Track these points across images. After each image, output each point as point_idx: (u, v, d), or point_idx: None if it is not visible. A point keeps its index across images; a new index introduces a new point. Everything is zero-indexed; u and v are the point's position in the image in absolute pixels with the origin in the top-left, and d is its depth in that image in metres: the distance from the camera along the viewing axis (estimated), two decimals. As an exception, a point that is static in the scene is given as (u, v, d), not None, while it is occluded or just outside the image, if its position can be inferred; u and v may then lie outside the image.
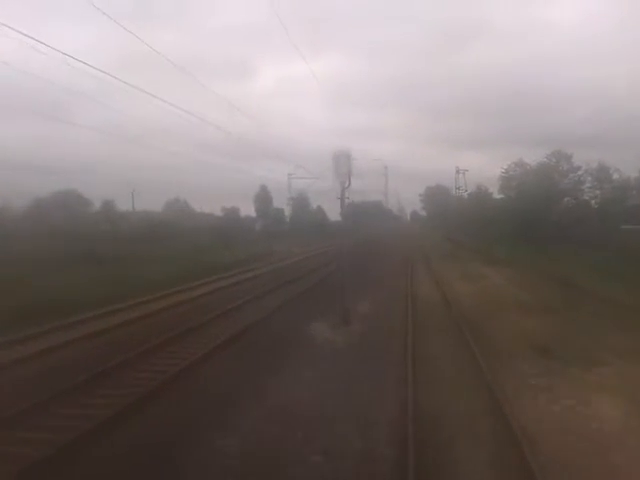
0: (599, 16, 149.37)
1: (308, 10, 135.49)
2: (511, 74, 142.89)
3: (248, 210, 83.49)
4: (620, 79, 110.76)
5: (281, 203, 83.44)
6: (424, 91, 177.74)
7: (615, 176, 55.36)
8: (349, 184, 13.17)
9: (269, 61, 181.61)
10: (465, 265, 31.30)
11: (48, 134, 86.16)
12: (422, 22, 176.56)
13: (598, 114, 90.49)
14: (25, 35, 14.81)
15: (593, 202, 57.70)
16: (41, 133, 79.36)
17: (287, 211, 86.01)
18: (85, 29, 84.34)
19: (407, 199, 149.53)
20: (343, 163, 12.86)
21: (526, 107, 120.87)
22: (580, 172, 57.71)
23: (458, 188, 58.90)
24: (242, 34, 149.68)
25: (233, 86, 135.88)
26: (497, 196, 66.71)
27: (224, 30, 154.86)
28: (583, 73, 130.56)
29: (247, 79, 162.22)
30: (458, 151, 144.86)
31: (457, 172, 58.79)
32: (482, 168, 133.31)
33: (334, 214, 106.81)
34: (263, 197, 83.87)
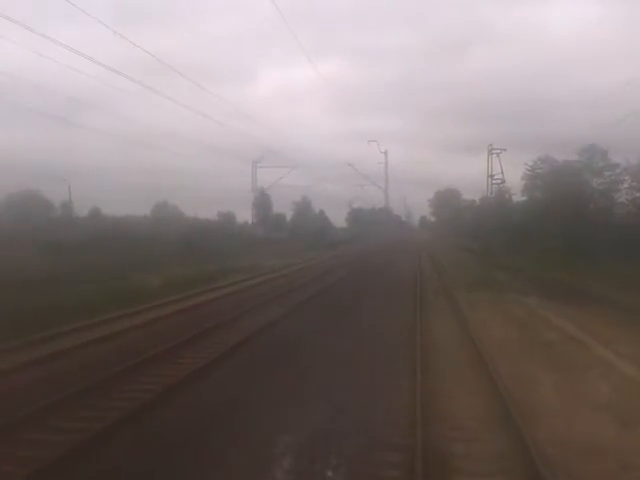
0: (600, 20, 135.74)
1: (308, 15, 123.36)
2: (513, 78, 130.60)
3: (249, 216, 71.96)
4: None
5: (286, 208, 76.89)
6: (426, 96, 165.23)
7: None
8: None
9: (269, 66, 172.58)
10: (514, 301, 17.66)
11: (49, 137, 77.87)
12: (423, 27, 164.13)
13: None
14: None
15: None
16: (42, 137, 70.27)
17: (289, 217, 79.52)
18: (77, 33, 73.96)
19: (415, 204, 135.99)
20: None
21: (532, 111, 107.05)
22: (618, 170, 44.61)
23: (491, 176, 40.98)
24: (243, 39, 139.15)
25: (234, 90, 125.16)
26: (519, 198, 53.48)
27: (225, 35, 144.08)
28: (585, 77, 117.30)
29: (247, 84, 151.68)
30: (464, 156, 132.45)
31: (490, 152, 40.14)
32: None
33: (339, 219, 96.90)
34: (261, 201, 73.50)
